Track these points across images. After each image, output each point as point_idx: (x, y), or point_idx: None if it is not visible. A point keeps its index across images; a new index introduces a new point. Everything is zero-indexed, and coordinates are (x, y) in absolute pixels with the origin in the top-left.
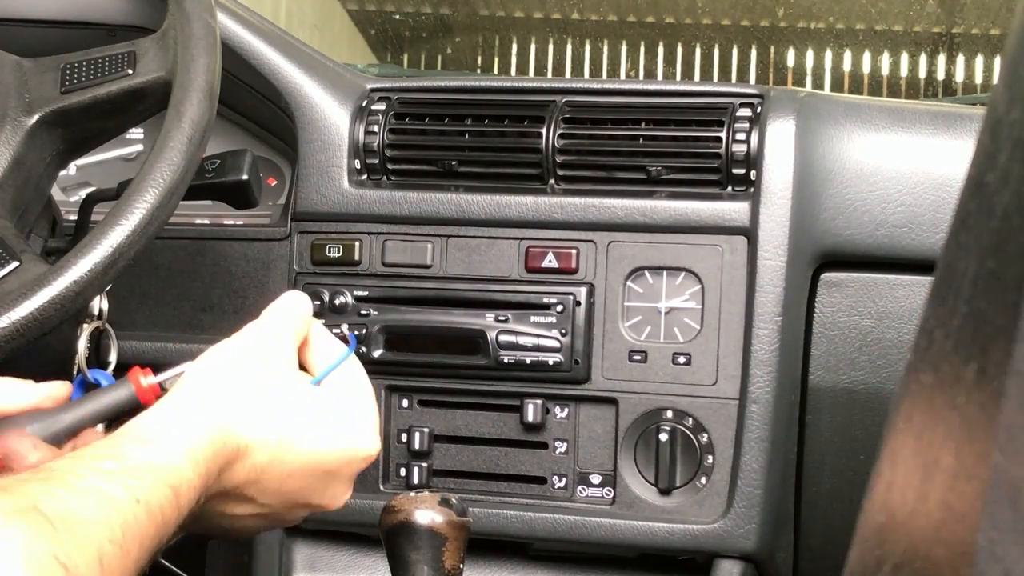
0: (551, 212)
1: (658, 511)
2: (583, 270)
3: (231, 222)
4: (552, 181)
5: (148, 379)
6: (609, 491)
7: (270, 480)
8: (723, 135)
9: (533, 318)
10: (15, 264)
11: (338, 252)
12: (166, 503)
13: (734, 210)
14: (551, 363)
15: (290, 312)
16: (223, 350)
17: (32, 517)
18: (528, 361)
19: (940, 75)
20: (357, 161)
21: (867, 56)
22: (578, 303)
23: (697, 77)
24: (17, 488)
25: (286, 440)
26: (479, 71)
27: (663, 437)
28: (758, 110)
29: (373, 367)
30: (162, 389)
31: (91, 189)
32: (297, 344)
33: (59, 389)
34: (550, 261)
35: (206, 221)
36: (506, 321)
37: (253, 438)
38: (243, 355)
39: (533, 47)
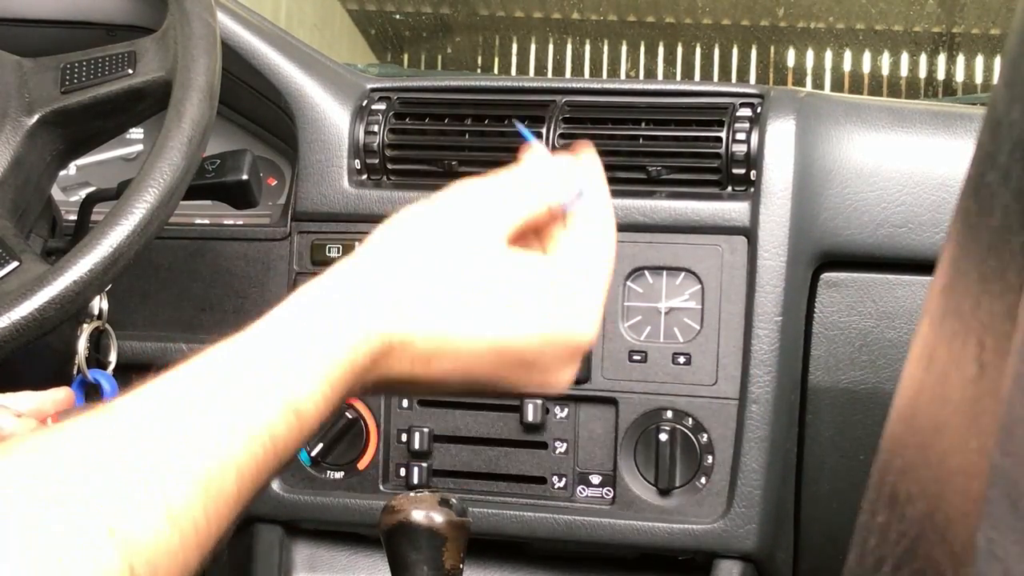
0: None
1: (658, 511)
2: None
3: (231, 222)
4: None
5: None
6: (609, 491)
7: (442, 370)
8: (723, 135)
9: None
10: (15, 264)
11: (338, 252)
12: (281, 427)
13: (734, 210)
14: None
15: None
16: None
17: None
18: None
19: (940, 75)
20: (357, 161)
21: (867, 56)
22: None
23: (697, 77)
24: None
25: (455, 325)
26: (479, 71)
27: (663, 437)
28: (758, 110)
29: None
30: None
31: (91, 189)
32: (521, 214)
33: (62, 394)
34: None
35: (206, 221)
36: None
37: (408, 329)
38: (434, 220)
39: (533, 47)
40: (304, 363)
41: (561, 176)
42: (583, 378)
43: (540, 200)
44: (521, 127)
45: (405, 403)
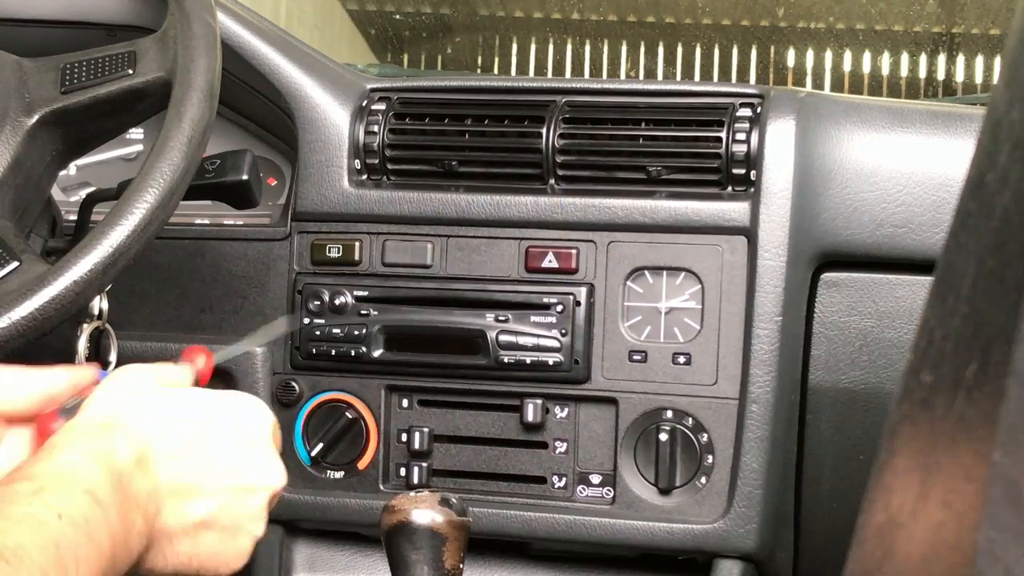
0: (551, 212)
1: (658, 511)
2: (583, 270)
3: (231, 222)
4: (552, 181)
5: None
6: (609, 491)
7: (182, 455)
8: (723, 135)
9: (533, 318)
10: (15, 264)
11: (338, 252)
12: (88, 511)
13: (734, 210)
14: (551, 363)
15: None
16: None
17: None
18: (528, 361)
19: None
20: (357, 161)
21: (867, 56)
22: (578, 303)
23: (697, 77)
24: None
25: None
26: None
27: (663, 437)
28: (758, 110)
29: (373, 367)
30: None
31: (91, 189)
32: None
33: (88, 375)
34: (550, 261)
35: (206, 221)
36: (506, 321)
37: (144, 427)
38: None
39: (533, 47)
40: (88, 460)
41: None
42: (583, 378)
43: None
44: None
45: (405, 403)
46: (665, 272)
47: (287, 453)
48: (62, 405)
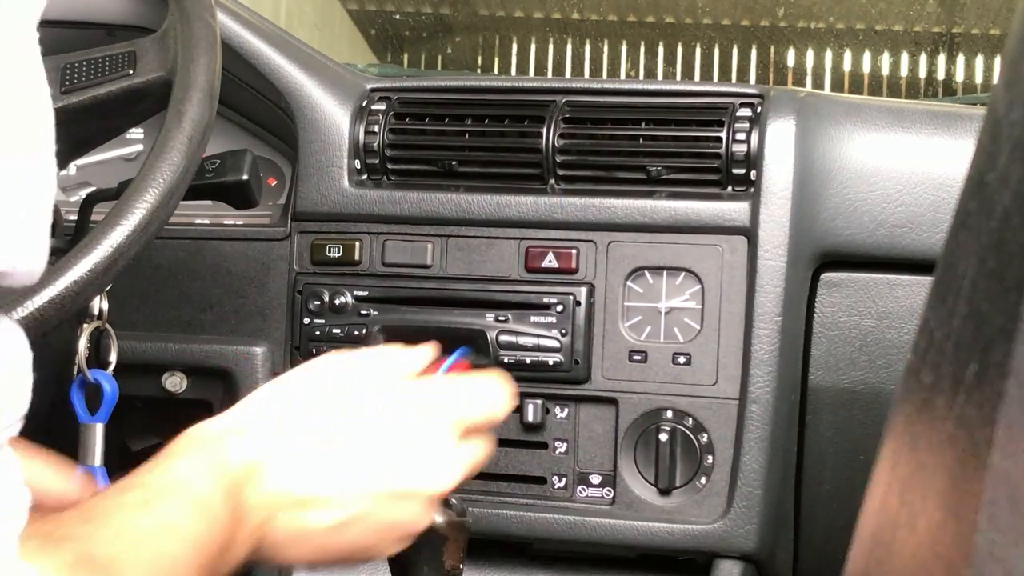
0: (551, 212)
1: (658, 511)
2: (583, 270)
3: (231, 222)
4: (552, 181)
5: None
6: (609, 491)
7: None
8: (723, 135)
9: (533, 318)
10: None
11: (338, 252)
12: (194, 522)
13: (734, 210)
14: (551, 363)
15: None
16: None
17: (91, 566)
18: (528, 361)
19: (940, 75)
20: (357, 161)
21: (867, 56)
22: (578, 303)
23: (697, 77)
24: (75, 534)
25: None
26: (479, 71)
27: (663, 437)
28: (758, 110)
29: None
30: None
31: (91, 189)
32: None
33: (428, 354)
34: (550, 261)
35: (206, 221)
36: (506, 321)
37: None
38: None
39: (533, 47)
40: (201, 471)
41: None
42: (583, 378)
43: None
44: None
45: None
46: (665, 272)
47: None
48: None
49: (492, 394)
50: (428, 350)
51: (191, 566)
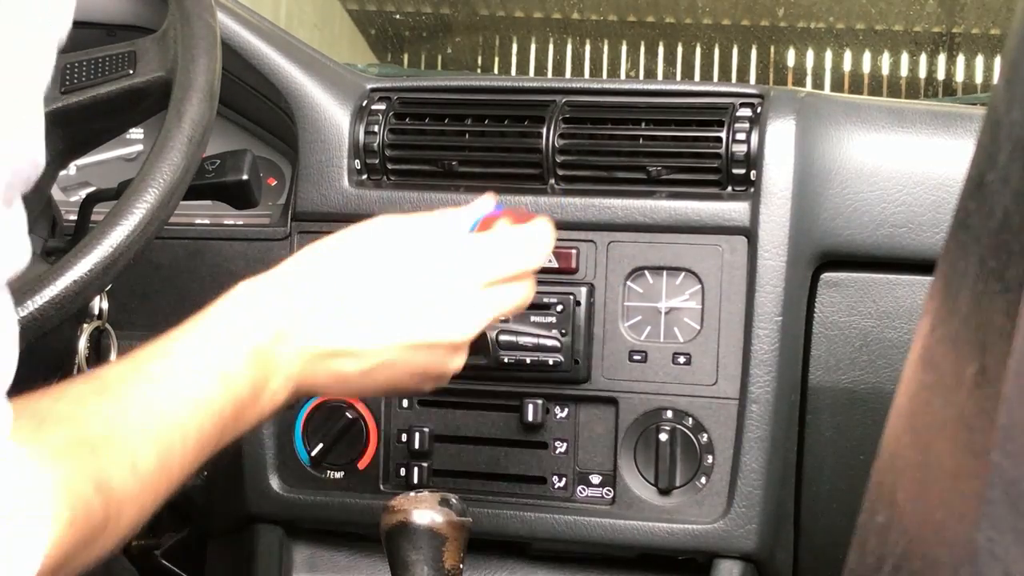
0: (551, 212)
1: (658, 511)
2: (583, 270)
3: (231, 222)
4: (552, 181)
5: None
6: (609, 491)
7: (344, 365)
8: (723, 135)
9: (533, 318)
10: None
11: None
12: (211, 388)
13: (734, 210)
14: (551, 363)
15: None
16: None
17: (80, 449)
18: (528, 361)
19: (940, 75)
20: (357, 161)
21: (867, 56)
22: (578, 303)
23: (697, 77)
24: (73, 414)
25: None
26: (479, 71)
27: (663, 437)
28: (758, 110)
29: None
30: None
31: (91, 189)
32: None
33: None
34: (550, 261)
35: (206, 221)
36: (506, 321)
37: (307, 325)
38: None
39: (533, 47)
40: (226, 340)
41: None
42: (583, 378)
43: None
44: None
45: (405, 403)
46: (665, 272)
47: (286, 453)
48: None
49: (524, 247)
50: (480, 205)
51: (205, 428)
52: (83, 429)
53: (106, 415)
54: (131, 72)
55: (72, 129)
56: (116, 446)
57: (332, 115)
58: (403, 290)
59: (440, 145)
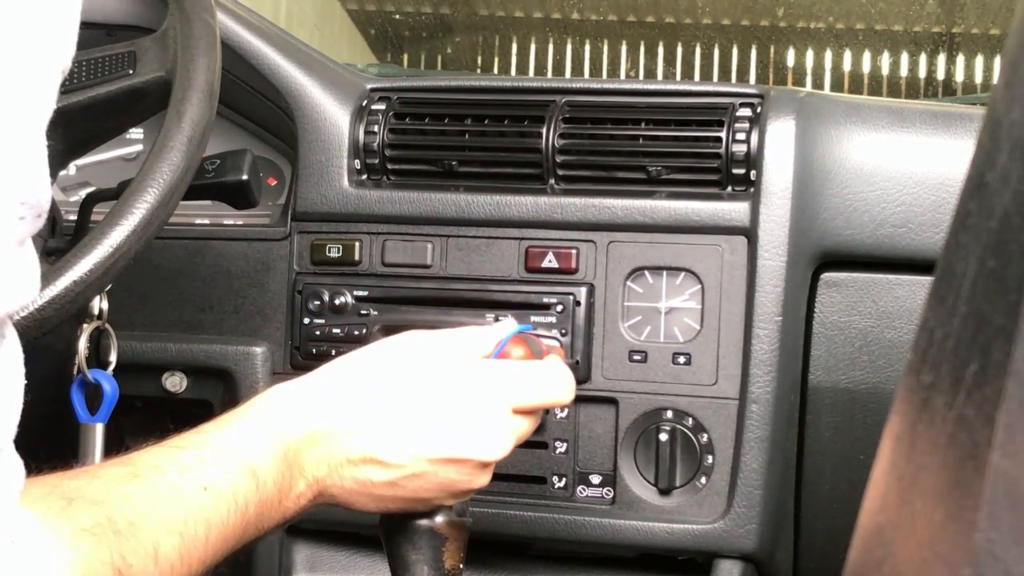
0: (551, 212)
1: (658, 511)
2: (583, 270)
3: (231, 222)
4: (552, 181)
5: None
6: (609, 491)
7: (368, 474)
8: (723, 135)
9: (533, 318)
10: None
11: (338, 252)
12: (241, 483)
13: (734, 210)
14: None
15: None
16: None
17: (104, 531)
18: None
19: (940, 75)
20: (357, 161)
21: (867, 56)
22: (578, 303)
23: (697, 77)
24: (103, 497)
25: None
26: (479, 71)
27: (663, 437)
28: (758, 110)
29: None
30: None
31: (91, 189)
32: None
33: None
34: (550, 261)
35: (206, 221)
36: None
37: (335, 426)
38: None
39: (533, 47)
40: (258, 437)
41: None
42: (583, 378)
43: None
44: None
45: None
46: (665, 272)
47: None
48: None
49: (549, 382)
50: (503, 326)
51: (229, 523)
52: (110, 512)
53: (134, 501)
54: (131, 72)
55: (72, 129)
56: (140, 533)
57: (332, 115)
58: (436, 404)
59: (440, 145)
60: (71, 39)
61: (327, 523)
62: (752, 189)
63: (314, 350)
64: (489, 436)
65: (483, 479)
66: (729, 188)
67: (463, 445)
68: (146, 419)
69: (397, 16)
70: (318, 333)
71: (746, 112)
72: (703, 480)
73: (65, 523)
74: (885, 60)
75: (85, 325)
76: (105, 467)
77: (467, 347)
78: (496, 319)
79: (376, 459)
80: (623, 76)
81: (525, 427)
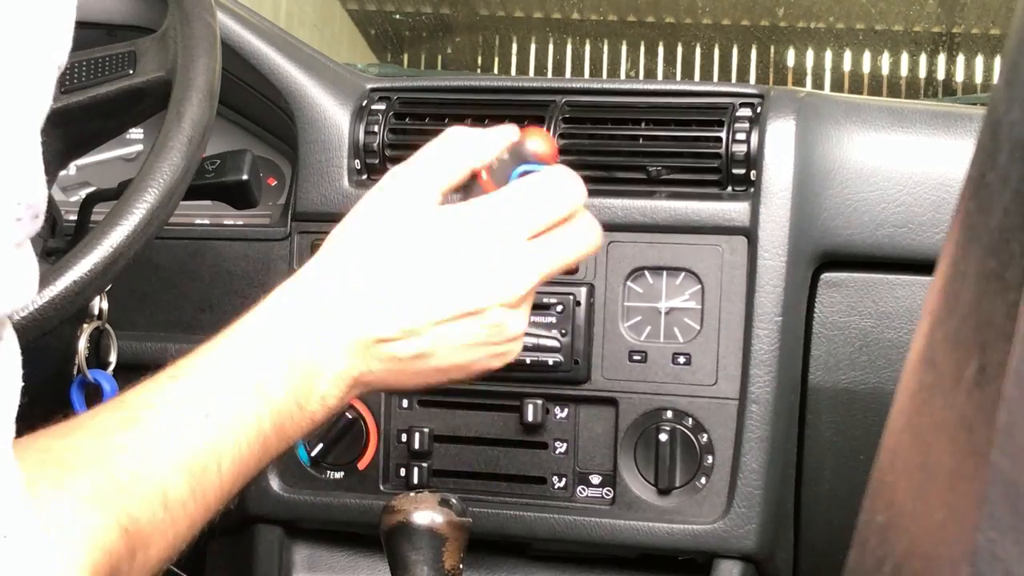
0: None
1: (658, 511)
2: (583, 270)
3: (231, 222)
4: None
5: None
6: (609, 491)
7: (403, 353)
8: (723, 135)
9: (533, 318)
10: None
11: None
12: (249, 403)
13: (734, 210)
14: (551, 363)
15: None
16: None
17: (107, 492)
18: (528, 361)
19: (940, 75)
20: (357, 161)
21: (867, 56)
22: (578, 303)
23: (697, 77)
24: (100, 453)
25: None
26: (479, 71)
27: (663, 437)
28: (758, 110)
29: None
30: None
31: (91, 189)
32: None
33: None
34: None
35: (206, 221)
36: None
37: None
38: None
39: (533, 47)
40: (258, 350)
41: (479, 142)
42: (583, 378)
43: (460, 163)
44: None
45: (405, 403)
46: (665, 272)
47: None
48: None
49: (560, 191)
50: (500, 135)
51: (242, 451)
52: (109, 469)
53: (133, 450)
54: (131, 72)
55: (72, 129)
56: (145, 482)
57: (332, 115)
58: (441, 258)
59: None
60: (67, 35)
61: (327, 523)
62: (752, 189)
63: None
64: (504, 273)
65: (518, 324)
66: (729, 188)
67: (478, 292)
68: None
69: (397, 16)
70: None
71: (746, 112)
72: (703, 480)
73: (64, 495)
74: (885, 60)
75: (85, 325)
76: (98, 415)
77: (459, 165)
78: None
79: (397, 333)
80: (623, 76)
81: (558, 248)
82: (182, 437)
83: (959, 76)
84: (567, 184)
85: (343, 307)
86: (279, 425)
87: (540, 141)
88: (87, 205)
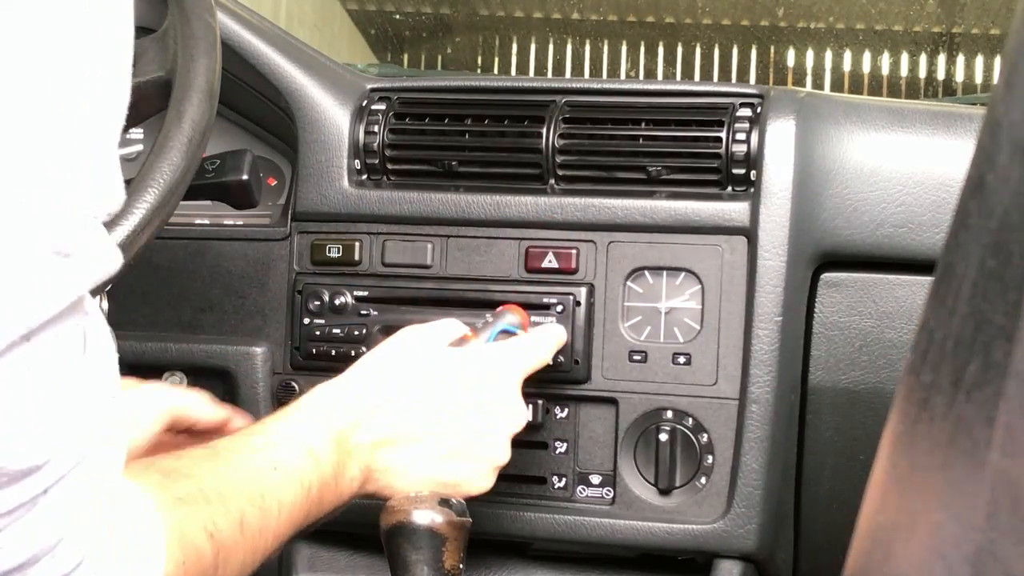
0: (551, 212)
1: (658, 511)
2: (583, 270)
3: (231, 222)
4: (552, 181)
5: None
6: (609, 491)
7: (404, 454)
8: (723, 135)
9: (533, 318)
10: None
11: (338, 252)
12: (303, 463)
13: (734, 210)
14: (551, 363)
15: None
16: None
17: (196, 499)
18: None
19: (940, 75)
20: (357, 161)
21: (867, 56)
22: (578, 303)
23: (697, 77)
24: (194, 472)
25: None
26: (479, 71)
27: (663, 437)
28: (758, 110)
29: None
30: None
31: None
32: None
33: (242, 420)
34: (550, 261)
35: (206, 221)
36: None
37: (374, 421)
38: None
39: (533, 47)
40: (313, 424)
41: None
42: (583, 378)
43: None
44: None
45: None
46: (665, 272)
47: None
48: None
49: (544, 345)
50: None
51: (297, 501)
52: (200, 484)
53: (219, 475)
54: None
55: None
56: (228, 502)
57: (332, 115)
58: (462, 386)
59: (440, 145)
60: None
61: (327, 523)
62: (752, 189)
63: (314, 350)
64: (511, 408)
65: (509, 452)
66: (729, 188)
67: (491, 419)
68: None
69: (397, 16)
70: (318, 333)
71: (746, 112)
72: (703, 480)
73: (163, 493)
74: (885, 60)
75: None
76: (189, 451)
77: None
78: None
79: (415, 437)
80: (623, 76)
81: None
82: (256, 479)
83: (959, 76)
84: (552, 342)
85: (376, 409)
86: (321, 492)
87: (516, 316)
88: None
